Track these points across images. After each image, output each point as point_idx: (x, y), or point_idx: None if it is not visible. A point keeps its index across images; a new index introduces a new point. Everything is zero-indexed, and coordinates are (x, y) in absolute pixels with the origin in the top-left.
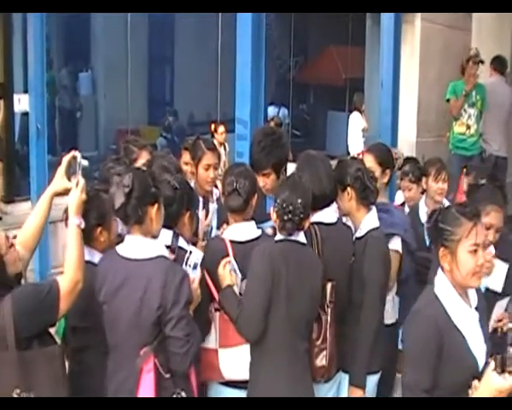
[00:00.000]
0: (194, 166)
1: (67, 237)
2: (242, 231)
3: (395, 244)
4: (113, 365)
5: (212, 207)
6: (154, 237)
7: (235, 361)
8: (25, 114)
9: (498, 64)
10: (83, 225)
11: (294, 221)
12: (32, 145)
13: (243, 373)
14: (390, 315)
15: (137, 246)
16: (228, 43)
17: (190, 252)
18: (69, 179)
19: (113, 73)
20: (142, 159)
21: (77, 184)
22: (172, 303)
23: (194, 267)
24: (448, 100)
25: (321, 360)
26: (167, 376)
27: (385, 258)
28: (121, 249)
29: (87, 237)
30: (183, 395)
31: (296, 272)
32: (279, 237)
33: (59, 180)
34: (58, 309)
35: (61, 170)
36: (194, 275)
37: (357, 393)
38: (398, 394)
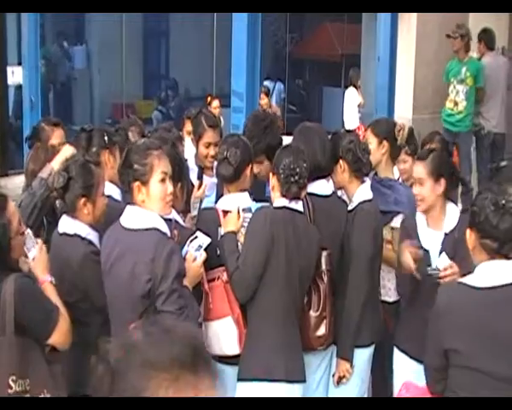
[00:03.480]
0: (195, 141)
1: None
2: (235, 201)
3: (399, 223)
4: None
5: (211, 180)
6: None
7: (214, 336)
8: (18, 87)
9: (489, 40)
10: (70, 220)
11: (300, 184)
12: (25, 118)
13: (223, 348)
14: (393, 293)
15: (135, 216)
16: (224, 18)
17: (196, 237)
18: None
19: (107, 47)
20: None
21: (40, 249)
22: (162, 277)
23: (198, 249)
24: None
25: (321, 330)
26: None
27: (375, 231)
28: (122, 219)
29: (70, 207)
30: None
31: (294, 239)
32: (278, 203)
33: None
34: (51, 332)
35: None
36: (197, 255)
37: (344, 365)
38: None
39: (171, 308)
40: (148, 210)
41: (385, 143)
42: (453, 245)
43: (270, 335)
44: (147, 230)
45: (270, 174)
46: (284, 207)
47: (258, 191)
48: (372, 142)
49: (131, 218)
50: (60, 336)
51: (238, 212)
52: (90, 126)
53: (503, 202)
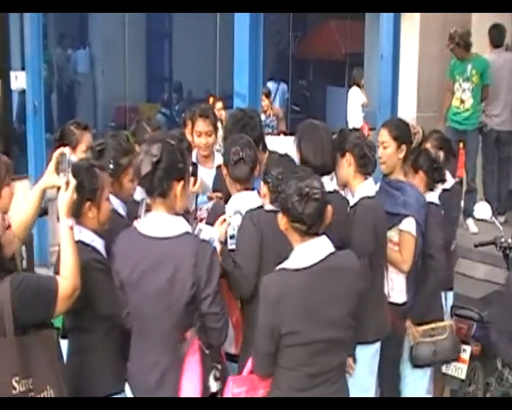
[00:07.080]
0: (190, 133)
1: (61, 240)
2: (246, 200)
3: (408, 226)
4: (140, 349)
5: (211, 172)
6: (177, 214)
7: None
8: (22, 92)
9: (495, 37)
10: (75, 227)
11: None
12: (29, 123)
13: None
14: (402, 295)
15: (162, 223)
16: (226, 18)
17: (200, 230)
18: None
19: (110, 50)
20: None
21: (67, 184)
22: (206, 280)
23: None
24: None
25: None
26: (207, 352)
27: (374, 226)
28: (143, 227)
29: (75, 212)
30: (219, 367)
31: (282, 240)
32: (269, 207)
33: (49, 176)
34: (54, 310)
35: (51, 166)
36: None
37: (348, 361)
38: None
39: (216, 309)
40: (173, 216)
41: (403, 147)
42: None
43: None
44: (180, 235)
45: (262, 183)
46: (273, 211)
47: None
48: (390, 145)
49: (158, 226)
50: (64, 302)
51: (224, 219)
52: (102, 145)
53: (307, 190)
